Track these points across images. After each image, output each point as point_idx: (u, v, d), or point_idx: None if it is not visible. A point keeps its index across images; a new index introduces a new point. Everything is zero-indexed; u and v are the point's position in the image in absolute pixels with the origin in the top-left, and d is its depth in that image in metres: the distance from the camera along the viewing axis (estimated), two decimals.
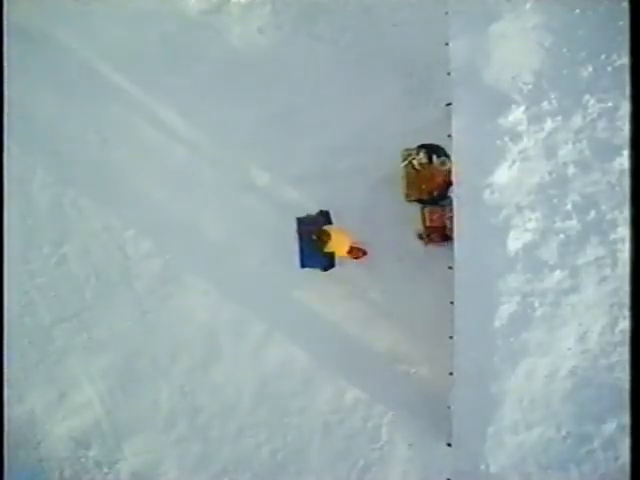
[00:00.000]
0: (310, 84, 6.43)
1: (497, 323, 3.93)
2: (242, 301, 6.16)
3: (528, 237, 3.98)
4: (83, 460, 6.20)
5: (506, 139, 4.02)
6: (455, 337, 4.07)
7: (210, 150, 6.42)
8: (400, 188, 5.66)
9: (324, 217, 5.91)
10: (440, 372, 4.56)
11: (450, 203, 4.52)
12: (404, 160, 5.37)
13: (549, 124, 4.01)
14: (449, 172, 4.60)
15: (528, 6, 4.03)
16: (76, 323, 6.27)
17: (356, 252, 5.85)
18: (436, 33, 6.02)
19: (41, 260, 6.27)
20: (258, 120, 6.38)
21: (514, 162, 4.02)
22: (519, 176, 4.00)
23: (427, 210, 5.42)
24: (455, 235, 4.12)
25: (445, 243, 5.40)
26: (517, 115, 4.02)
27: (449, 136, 4.15)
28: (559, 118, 3.98)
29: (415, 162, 5.26)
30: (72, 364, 6.25)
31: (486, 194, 4.00)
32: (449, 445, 4.15)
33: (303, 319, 6.06)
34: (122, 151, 6.50)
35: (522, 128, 4.02)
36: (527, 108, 4.02)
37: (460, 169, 4.10)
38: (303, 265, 5.82)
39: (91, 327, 6.26)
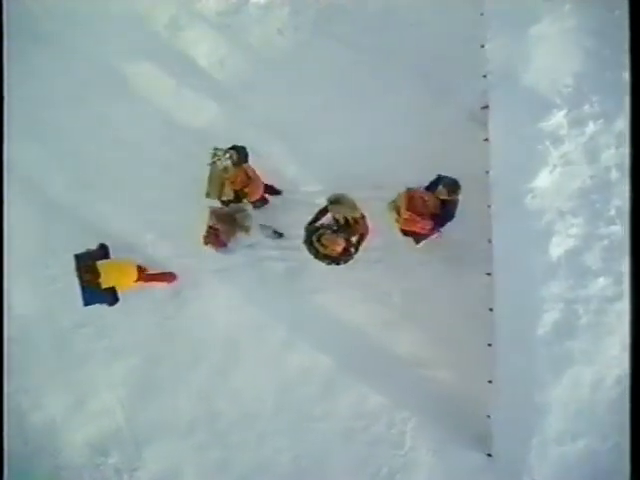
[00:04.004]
0: (329, 85, 6.35)
1: (540, 331, 3.85)
2: (263, 305, 6.06)
3: (571, 243, 3.91)
4: (102, 467, 6.13)
5: (547, 143, 3.95)
6: (494, 344, 3.99)
7: None
8: None
9: (102, 251, 5.76)
10: (475, 379, 4.47)
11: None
12: (211, 159, 5.20)
13: (591, 127, 3.94)
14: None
15: (567, 7, 3.95)
16: (95, 329, 6.20)
17: (153, 278, 5.91)
18: (456, 33, 6.11)
19: (61, 265, 6.17)
20: (277, 122, 6.30)
21: (555, 167, 3.95)
22: (561, 181, 3.92)
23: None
24: (494, 241, 4.03)
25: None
26: (558, 119, 3.94)
27: (486, 140, 4.06)
28: (601, 121, 3.91)
29: (219, 163, 5.08)
30: (91, 370, 6.18)
31: (527, 199, 3.92)
32: (489, 455, 4.07)
33: (324, 323, 5.97)
34: (140, 154, 6.41)
35: (563, 132, 3.95)
36: (568, 112, 3.95)
37: (498, 173, 4.01)
38: (86, 303, 5.60)
39: (110, 333, 6.19)
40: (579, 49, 3.97)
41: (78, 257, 5.66)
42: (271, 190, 6.07)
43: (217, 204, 5.80)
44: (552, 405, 3.85)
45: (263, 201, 6.04)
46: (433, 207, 4.92)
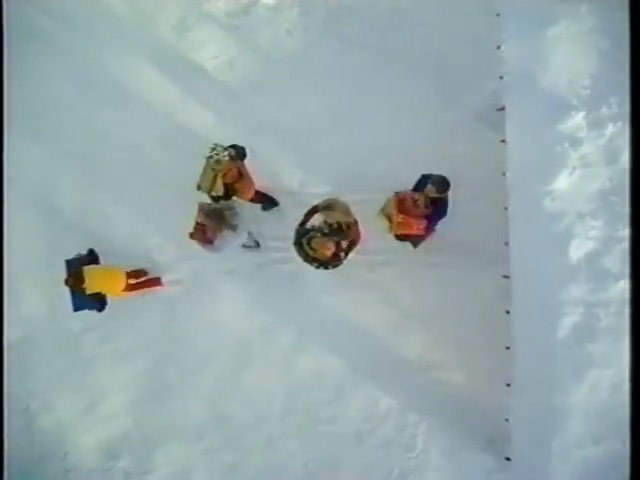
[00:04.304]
0: (339, 86, 6.31)
1: (560, 334, 3.82)
2: (272, 308, 6.03)
3: (590, 245, 3.88)
4: (112, 471, 6.11)
5: (566, 145, 3.92)
6: (513, 348, 3.96)
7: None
8: None
9: (90, 257, 5.79)
10: (493, 382, 4.44)
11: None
12: (210, 152, 5.10)
13: (610, 129, 3.92)
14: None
15: (584, 9, 3.93)
16: (104, 331, 6.16)
17: (139, 286, 5.92)
18: (466, 34, 6.09)
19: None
20: (286, 122, 6.26)
21: (574, 169, 3.92)
22: (580, 183, 3.89)
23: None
24: (511, 243, 4.01)
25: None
26: (577, 121, 3.91)
27: (502, 141, 4.04)
28: (620, 123, 3.89)
29: (215, 157, 5.02)
30: (100, 373, 6.14)
31: (546, 201, 3.89)
32: (508, 459, 4.04)
33: (335, 326, 5.93)
34: (145, 156, 6.37)
35: (582, 134, 3.92)
36: (587, 113, 3.93)
37: (515, 175, 3.99)
38: (76, 309, 5.67)
39: (119, 335, 6.15)
40: (596, 50, 3.94)
41: (69, 262, 5.67)
42: (267, 199, 6.06)
43: (207, 199, 5.67)
44: (572, 408, 3.82)
45: (272, 203, 6.01)
46: (424, 206, 4.90)
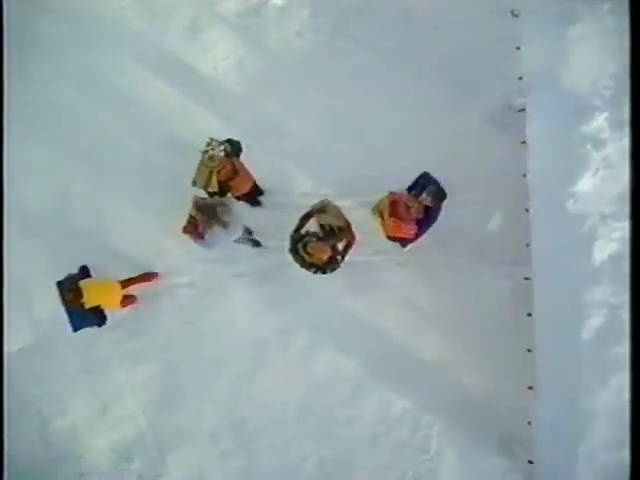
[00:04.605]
0: (349, 87, 6.28)
1: (584, 336, 3.80)
2: (287, 310, 6.01)
3: (614, 247, 3.86)
4: (125, 474, 6.09)
5: (588, 146, 3.90)
6: (535, 350, 3.94)
7: (250, 155, 6.25)
8: None
9: (82, 273, 5.71)
10: (514, 385, 4.41)
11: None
12: (205, 147, 5.08)
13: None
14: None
15: (606, 7, 3.90)
16: (117, 334, 6.12)
17: (135, 281, 5.91)
18: (479, 35, 6.06)
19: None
20: (296, 124, 6.24)
21: (597, 170, 3.90)
22: (603, 184, 3.87)
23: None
24: (532, 245, 3.99)
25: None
26: (599, 121, 3.89)
27: (523, 142, 4.01)
28: None
29: (211, 152, 5.00)
30: (114, 376, 6.12)
31: (569, 203, 3.87)
32: (530, 462, 4.02)
33: (350, 327, 5.91)
34: (159, 157, 6.35)
35: (605, 135, 3.90)
36: (610, 114, 3.90)
37: (537, 177, 3.96)
38: (75, 328, 5.56)
39: (133, 338, 6.13)
40: (620, 50, 3.91)
41: (60, 283, 5.56)
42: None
43: (202, 194, 5.62)
44: (598, 412, 3.80)
45: (249, 198, 5.93)
46: (416, 213, 4.91)
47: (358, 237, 5.10)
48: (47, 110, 6.47)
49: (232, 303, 6.07)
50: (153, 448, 6.09)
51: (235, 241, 5.95)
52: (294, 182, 6.24)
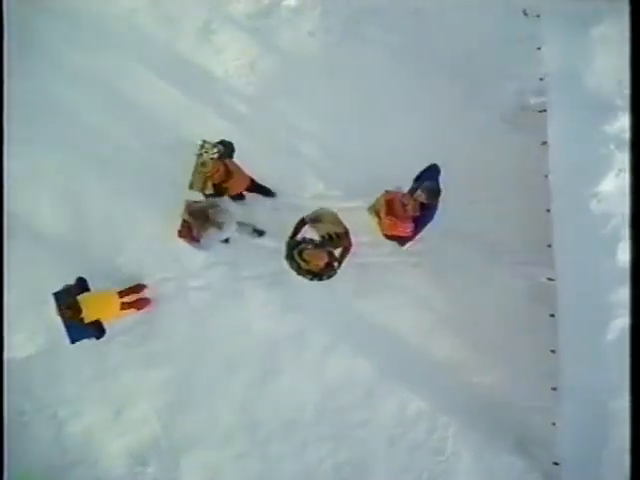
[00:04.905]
0: (361, 87, 6.25)
1: (609, 337, 3.77)
2: (302, 312, 5.99)
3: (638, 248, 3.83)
4: (140, 477, 6.08)
5: (612, 147, 3.87)
6: (559, 351, 3.90)
7: (258, 155, 6.25)
8: None
9: (79, 285, 5.60)
10: (537, 386, 4.37)
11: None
12: (199, 150, 5.12)
13: None
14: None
15: (627, 7, 3.86)
16: (131, 338, 6.11)
17: (136, 305, 5.85)
18: (489, 35, 6.03)
19: (95, 273, 6.07)
20: (307, 125, 6.23)
21: (620, 171, 3.87)
22: (626, 185, 3.84)
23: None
24: (555, 246, 3.95)
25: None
26: (622, 122, 3.85)
27: (544, 143, 3.98)
28: None
29: (205, 156, 4.99)
30: (128, 379, 6.10)
31: (592, 204, 3.84)
32: (556, 464, 3.99)
33: (366, 329, 5.89)
34: (167, 159, 6.32)
35: (628, 135, 3.87)
36: None
37: (559, 177, 3.93)
38: (73, 341, 5.47)
39: (147, 342, 6.11)
40: None
41: (57, 295, 5.48)
42: (262, 191, 5.98)
43: (201, 197, 5.56)
44: (623, 413, 3.77)
45: (239, 196, 5.90)
46: (412, 211, 4.87)
47: (371, 238, 5.03)
48: (47, 110, 6.44)
49: (246, 306, 6.05)
50: (168, 451, 6.07)
51: (236, 231, 5.87)
52: (305, 184, 6.22)
